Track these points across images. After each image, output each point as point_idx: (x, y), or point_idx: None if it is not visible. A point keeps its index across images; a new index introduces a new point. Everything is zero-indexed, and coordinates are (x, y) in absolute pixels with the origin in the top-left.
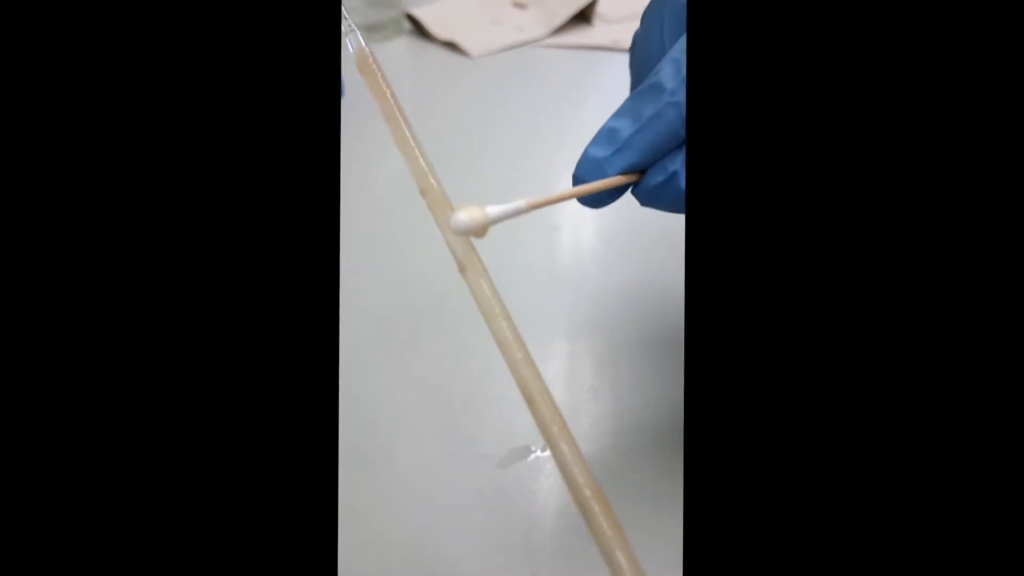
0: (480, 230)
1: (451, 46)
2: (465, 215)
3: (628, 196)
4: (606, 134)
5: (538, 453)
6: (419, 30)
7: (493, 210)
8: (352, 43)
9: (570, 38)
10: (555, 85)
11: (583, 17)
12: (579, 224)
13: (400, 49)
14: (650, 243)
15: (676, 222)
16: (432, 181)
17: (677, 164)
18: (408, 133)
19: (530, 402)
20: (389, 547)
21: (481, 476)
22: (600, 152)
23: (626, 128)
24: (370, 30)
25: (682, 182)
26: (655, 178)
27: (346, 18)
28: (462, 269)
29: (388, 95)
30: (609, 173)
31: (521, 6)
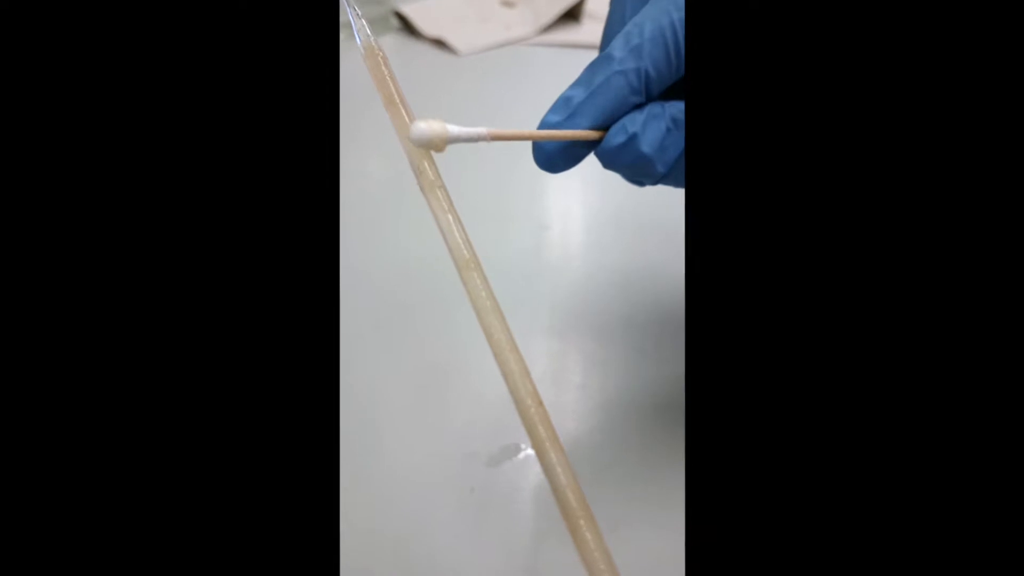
0: (439, 142)
1: (439, 43)
2: (424, 124)
3: (612, 206)
4: (562, 102)
5: (528, 450)
6: (407, 27)
7: (453, 128)
8: (356, 26)
9: (558, 36)
10: (543, 83)
11: (572, 15)
12: (568, 223)
13: (387, 46)
14: (639, 242)
15: (666, 220)
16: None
17: (637, 126)
18: (408, 121)
19: (517, 401)
20: (381, 544)
21: (472, 474)
22: (555, 118)
23: (578, 95)
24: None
25: (642, 145)
26: (616, 138)
27: (352, 6)
28: (420, 182)
29: (389, 81)
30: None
31: (509, 4)
